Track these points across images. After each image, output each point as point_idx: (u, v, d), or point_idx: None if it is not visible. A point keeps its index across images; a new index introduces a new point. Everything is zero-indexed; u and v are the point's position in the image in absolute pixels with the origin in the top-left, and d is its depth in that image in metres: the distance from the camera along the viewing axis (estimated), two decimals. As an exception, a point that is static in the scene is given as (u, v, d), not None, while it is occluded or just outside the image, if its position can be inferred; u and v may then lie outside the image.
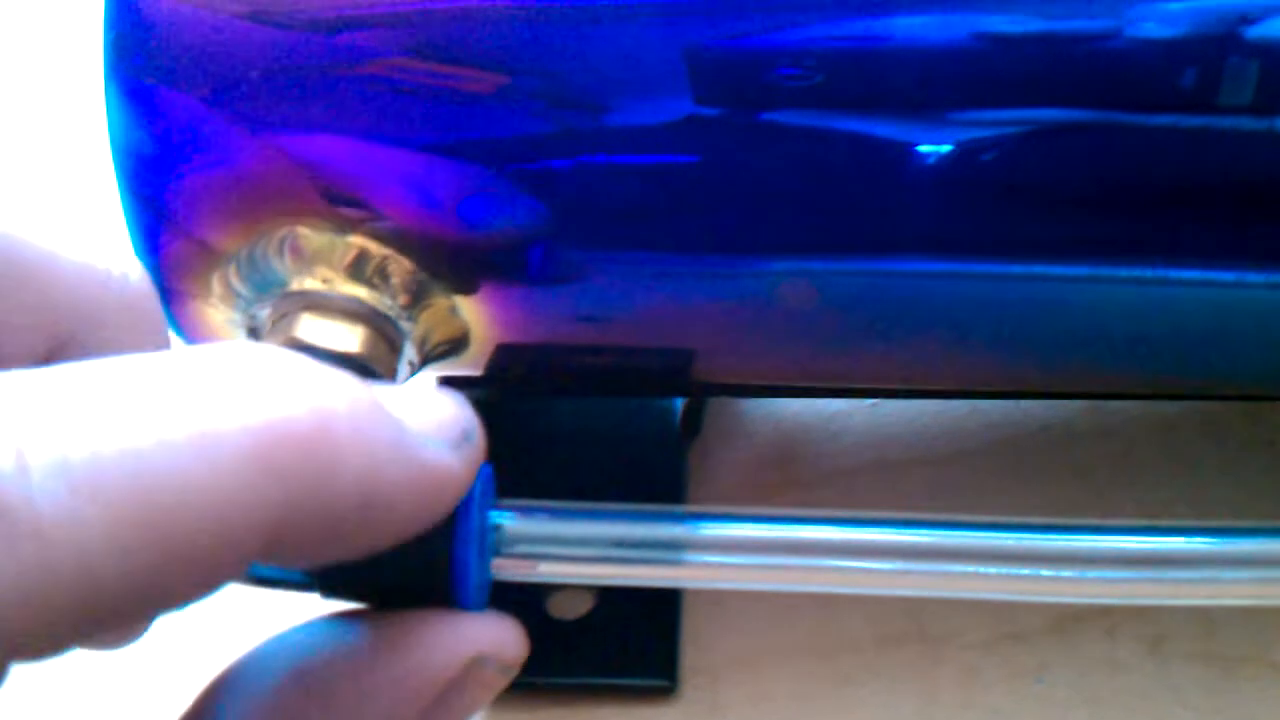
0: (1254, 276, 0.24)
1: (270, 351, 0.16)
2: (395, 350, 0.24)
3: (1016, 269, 0.24)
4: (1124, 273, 0.24)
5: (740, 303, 0.25)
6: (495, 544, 0.21)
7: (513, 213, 0.23)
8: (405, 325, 0.24)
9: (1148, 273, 0.24)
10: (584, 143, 0.23)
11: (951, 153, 0.22)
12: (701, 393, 0.32)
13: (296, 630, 0.20)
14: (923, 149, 0.22)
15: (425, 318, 0.24)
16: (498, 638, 0.20)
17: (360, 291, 0.24)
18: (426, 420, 0.18)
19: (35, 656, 0.14)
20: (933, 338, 0.25)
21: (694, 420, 0.32)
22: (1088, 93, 0.22)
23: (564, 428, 0.32)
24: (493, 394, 0.29)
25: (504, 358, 0.26)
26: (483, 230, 0.24)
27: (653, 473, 0.31)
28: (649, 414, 0.32)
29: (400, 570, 0.20)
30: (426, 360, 0.26)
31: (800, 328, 0.25)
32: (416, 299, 0.24)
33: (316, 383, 0.16)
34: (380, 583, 0.20)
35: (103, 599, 0.14)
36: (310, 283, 0.24)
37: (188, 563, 0.14)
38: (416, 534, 0.18)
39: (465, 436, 0.19)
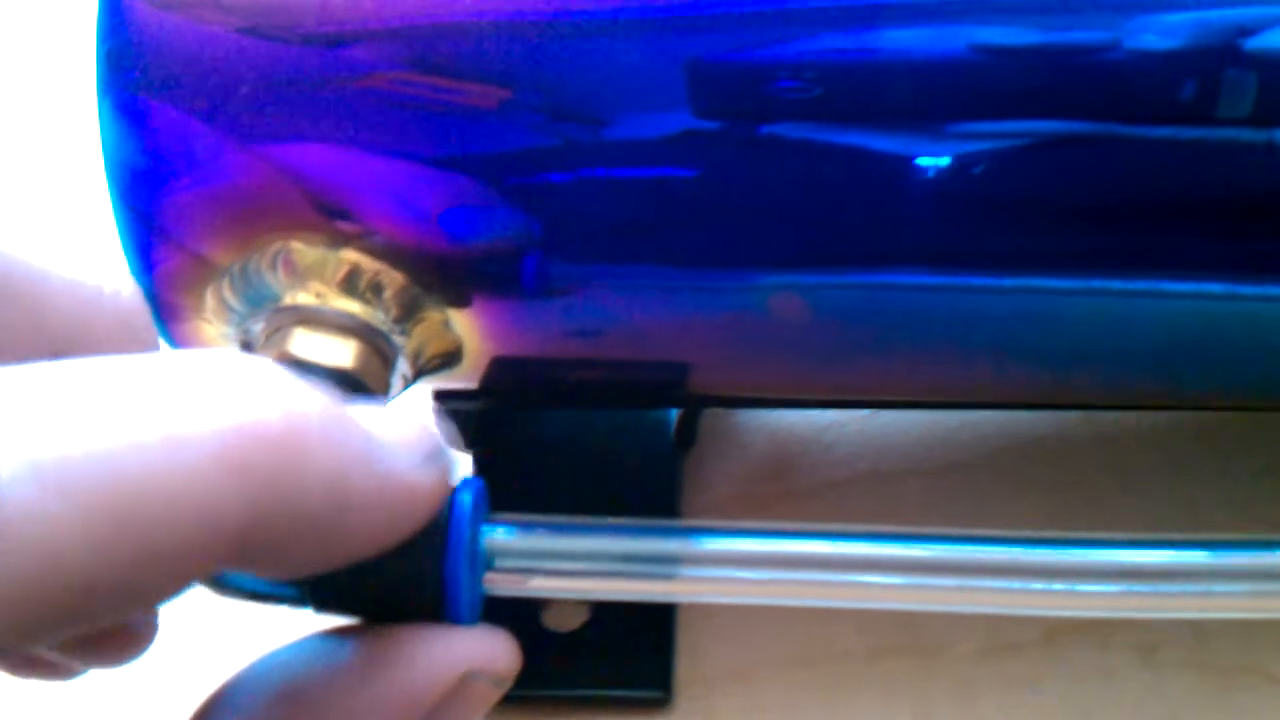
0: (1252, 289, 0.24)
1: (244, 358, 0.16)
2: (388, 364, 0.24)
3: (1017, 282, 0.24)
4: (1122, 286, 0.24)
5: (737, 315, 0.25)
6: (487, 559, 0.21)
7: (508, 227, 0.23)
8: (398, 339, 0.24)
9: (1145, 285, 0.24)
10: (582, 157, 0.23)
11: (951, 166, 0.22)
12: (696, 404, 0.32)
13: (289, 647, 0.20)
14: (923, 162, 0.22)
15: (418, 332, 0.24)
16: (490, 652, 0.21)
17: (353, 306, 0.24)
18: (396, 437, 0.18)
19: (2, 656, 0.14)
20: (930, 351, 0.25)
21: (688, 431, 0.33)
22: (1086, 105, 0.22)
23: (559, 439, 0.32)
24: (488, 406, 0.30)
25: (499, 371, 0.26)
26: (477, 245, 0.24)
27: (647, 484, 0.31)
28: (643, 425, 0.32)
29: (391, 585, 0.20)
30: (420, 374, 0.25)
31: (797, 340, 0.25)
32: (410, 313, 0.24)
33: (289, 389, 0.16)
34: (372, 598, 0.20)
35: (71, 596, 0.14)
36: (303, 297, 0.24)
37: (157, 561, 0.14)
38: (386, 549, 0.18)
39: (433, 457, 0.19)
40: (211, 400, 0.15)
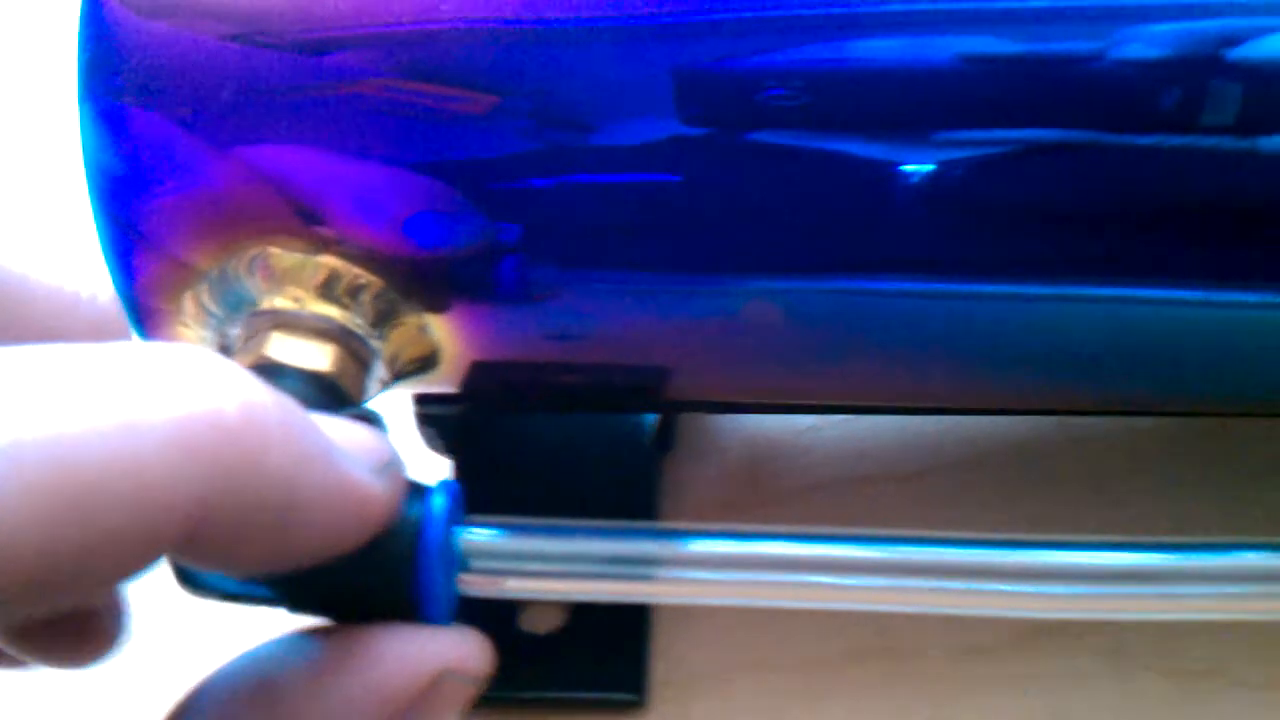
0: (1234, 296, 0.24)
1: (205, 353, 0.17)
2: (365, 368, 0.24)
3: (999, 289, 0.24)
4: (1102, 293, 0.24)
5: (719, 321, 0.25)
6: (462, 560, 0.22)
7: (490, 233, 0.23)
8: (375, 343, 0.24)
9: (1126, 293, 0.24)
10: (567, 162, 0.23)
11: (936, 173, 0.22)
12: (675, 409, 0.32)
13: (263, 647, 0.20)
14: (908, 169, 0.22)
15: (396, 336, 0.25)
16: (463, 652, 0.21)
17: (331, 310, 0.24)
18: (352, 444, 0.18)
19: None
20: (911, 357, 0.26)
21: (667, 435, 0.33)
22: (1072, 114, 0.22)
23: (537, 443, 0.32)
24: (467, 410, 0.30)
25: (478, 375, 0.27)
26: (457, 250, 0.24)
27: (625, 488, 0.32)
28: (621, 429, 0.32)
29: (365, 586, 0.20)
30: (397, 378, 0.26)
31: (778, 346, 0.25)
32: (387, 318, 0.24)
33: (248, 385, 0.16)
34: (346, 598, 0.21)
35: (21, 576, 0.14)
36: (281, 301, 0.24)
37: (108, 544, 0.15)
38: (335, 555, 0.18)
39: (388, 468, 0.19)
40: (170, 388, 0.15)
